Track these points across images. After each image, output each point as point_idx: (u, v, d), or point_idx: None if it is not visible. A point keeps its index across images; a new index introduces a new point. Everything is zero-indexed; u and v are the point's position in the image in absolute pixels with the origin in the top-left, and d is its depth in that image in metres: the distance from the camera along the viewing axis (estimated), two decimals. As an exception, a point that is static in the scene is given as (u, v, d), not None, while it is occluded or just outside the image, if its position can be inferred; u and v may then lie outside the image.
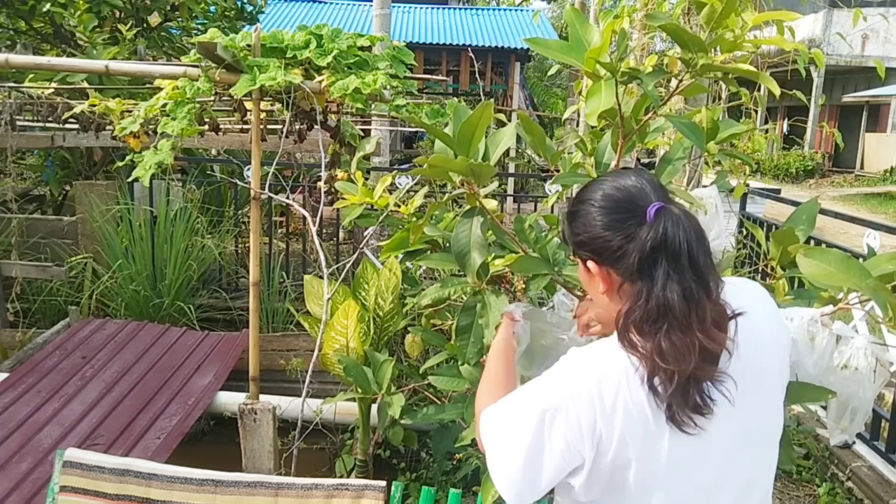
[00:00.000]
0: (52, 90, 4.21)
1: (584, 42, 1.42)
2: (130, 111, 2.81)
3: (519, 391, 1.13)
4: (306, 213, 2.92)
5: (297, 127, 2.88)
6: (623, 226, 1.03)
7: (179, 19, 6.53)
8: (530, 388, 1.09)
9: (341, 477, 3.05)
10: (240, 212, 5.36)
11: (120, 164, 3.07)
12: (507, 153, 11.35)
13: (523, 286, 1.74)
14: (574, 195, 1.15)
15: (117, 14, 6.03)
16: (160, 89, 2.59)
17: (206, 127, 2.68)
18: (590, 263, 1.09)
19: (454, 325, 2.21)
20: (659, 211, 1.01)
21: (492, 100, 1.88)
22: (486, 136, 1.48)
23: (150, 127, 2.70)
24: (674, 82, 1.54)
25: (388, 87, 2.60)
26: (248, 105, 2.71)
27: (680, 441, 0.99)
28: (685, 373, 0.96)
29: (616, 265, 1.04)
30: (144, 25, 6.28)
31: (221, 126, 2.92)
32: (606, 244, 1.05)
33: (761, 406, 1.07)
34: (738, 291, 1.08)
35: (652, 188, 1.06)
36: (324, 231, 6.55)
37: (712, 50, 1.41)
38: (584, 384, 1.01)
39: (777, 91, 1.41)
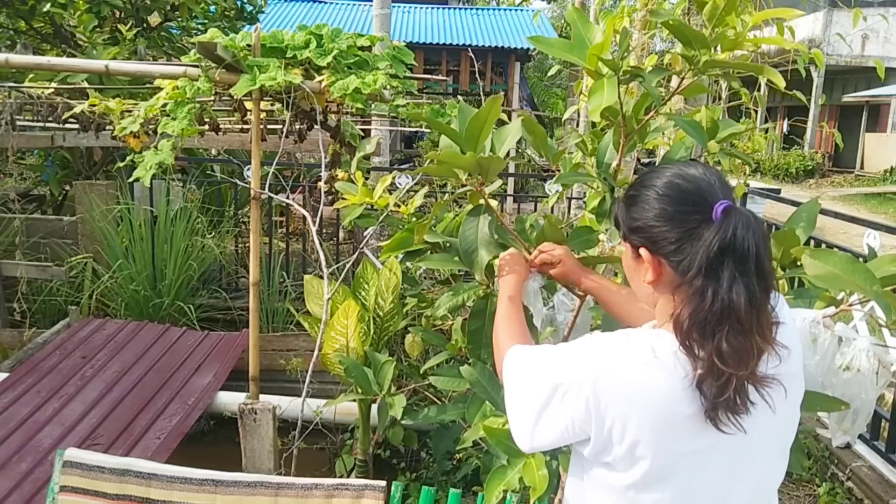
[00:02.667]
0: (52, 90, 4.21)
1: (586, 40, 1.42)
2: (130, 111, 2.81)
3: (546, 351, 1.15)
4: (306, 213, 2.91)
5: (297, 127, 2.88)
6: (687, 219, 1.00)
7: (179, 19, 6.52)
8: (554, 355, 1.11)
9: (341, 477, 3.04)
10: (240, 212, 5.36)
11: (120, 164, 3.06)
12: (507, 152, 11.34)
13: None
14: (636, 179, 1.12)
15: (117, 14, 6.02)
16: (160, 89, 2.59)
17: (206, 127, 2.67)
18: (642, 251, 1.06)
19: (456, 326, 2.22)
20: (727, 210, 0.97)
21: (502, 93, 1.87)
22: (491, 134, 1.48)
23: (151, 127, 2.70)
24: (675, 81, 1.54)
25: (388, 87, 2.59)
26: (248, 105, 2.70)
27: (709, 437, 0.98)
28: (743, 377, 0.95)
29: (671, 257, 1.02)
30: (144, 25, 6.27)
31: (221, 126, 2.92)
32: (665, 235, 1.02)
33: (789, 408, 1.08)
34: None
35: (720, 184, 1.03)
36: (324, 231, 6.55)
37: (714, 48, 1.41)
38: (601, 372, 1.01)
39: (781, 83, 1.41)
